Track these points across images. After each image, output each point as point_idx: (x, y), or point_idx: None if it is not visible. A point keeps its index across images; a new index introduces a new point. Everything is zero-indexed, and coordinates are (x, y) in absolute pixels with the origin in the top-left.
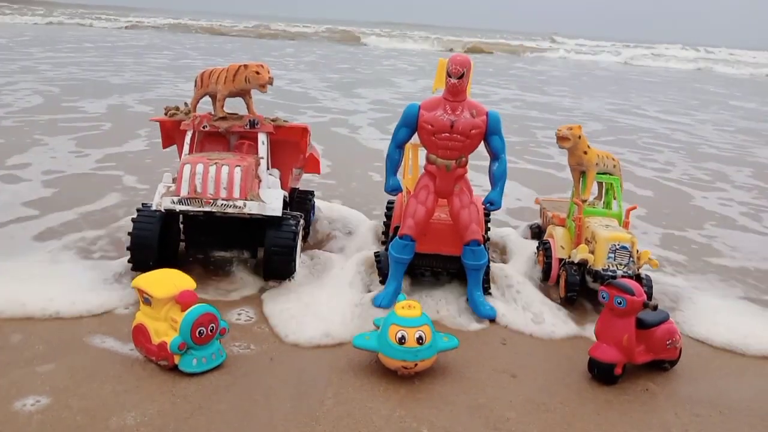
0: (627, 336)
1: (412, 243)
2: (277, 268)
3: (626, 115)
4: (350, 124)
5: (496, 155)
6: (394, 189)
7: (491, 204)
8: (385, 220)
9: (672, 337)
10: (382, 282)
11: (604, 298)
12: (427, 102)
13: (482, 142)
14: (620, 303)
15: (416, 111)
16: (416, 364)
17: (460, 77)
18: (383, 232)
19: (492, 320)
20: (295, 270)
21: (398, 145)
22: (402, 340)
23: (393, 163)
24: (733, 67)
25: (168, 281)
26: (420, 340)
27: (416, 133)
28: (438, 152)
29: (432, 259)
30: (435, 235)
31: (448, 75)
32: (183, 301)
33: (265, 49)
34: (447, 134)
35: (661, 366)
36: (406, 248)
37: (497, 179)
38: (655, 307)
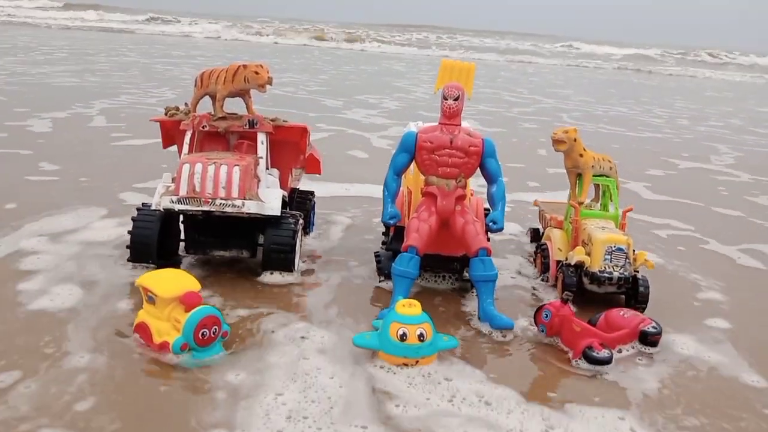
0: (574, 324)
1: (417, 257)
2: (276, 267)
3: None
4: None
5: (493, 178)
6: (392, 217)
7: (494, 223)
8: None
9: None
10: (382, 281)
11: (542, 331)
12: (424, 128)
13: (479, 169)
14: (546, 316)
15: (414, 136)
16: (417, 361)
17: (456, 99)
18: (383, 233)
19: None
20: (294, 268)
21: (396, 173)
22: (403, 337)
23: (391, 191)
24: None
25: (173, 281)
26: (421, 337)
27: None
28: (438, 171)
29: (432, 260)
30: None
31: (444, 98)
32: (187, 302)
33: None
34: (447, 150)
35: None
36: (411, 261)
37: (497, 200)
38: (567, 300)
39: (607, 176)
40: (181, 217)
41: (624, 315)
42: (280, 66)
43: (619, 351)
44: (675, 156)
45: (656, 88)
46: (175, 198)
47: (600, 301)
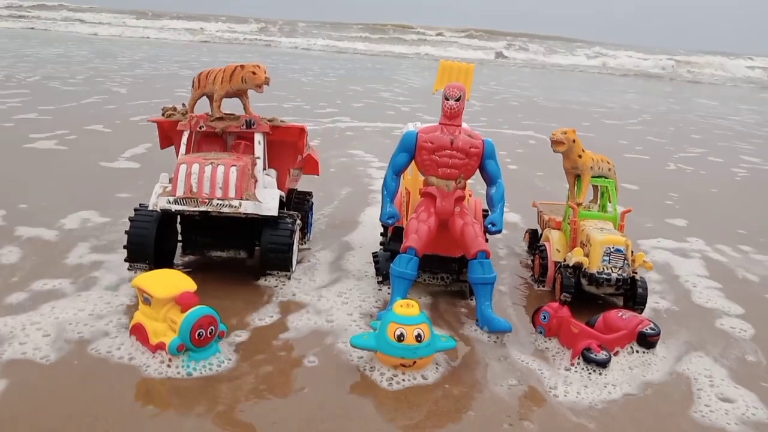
0: (573, 325)
1: (416, 258)
2: (274, 266)
3: None
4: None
5: (493, 180)
6: (391, 217)
7: (492, 225)
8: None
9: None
10: (380, 282)
11: (540, 332)
12: (424, 128)
13: (478, 170)
14: (545, 318)
15: (415, 136)
16: (415, 362)
17: (458, 99)
18: (381, 233)
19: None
20: (292, 268)
21: (396, 172)
22: (401, 338)
23: (390, 191)
24: None
25: (168, 282)
26: (419, 338)
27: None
28: (438, 171)
29: (430, 261)
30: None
31: (446, 98)
32: (183, 302)
33: None
34: (447, 151)
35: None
36: (410, 263)
37: (496, 202)
38: (566, 301)
39: (606, 177)
40: (179, 218)
41: (622, 316)
42: None
43: (616, 352)
44: None
45: None
46: (172, 198)
47: (598, 303)
